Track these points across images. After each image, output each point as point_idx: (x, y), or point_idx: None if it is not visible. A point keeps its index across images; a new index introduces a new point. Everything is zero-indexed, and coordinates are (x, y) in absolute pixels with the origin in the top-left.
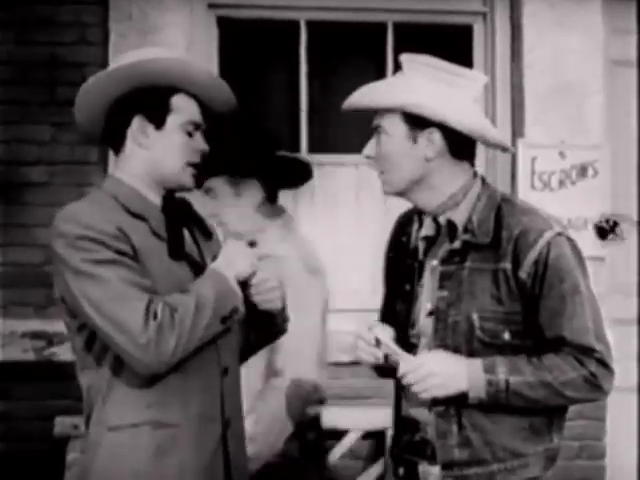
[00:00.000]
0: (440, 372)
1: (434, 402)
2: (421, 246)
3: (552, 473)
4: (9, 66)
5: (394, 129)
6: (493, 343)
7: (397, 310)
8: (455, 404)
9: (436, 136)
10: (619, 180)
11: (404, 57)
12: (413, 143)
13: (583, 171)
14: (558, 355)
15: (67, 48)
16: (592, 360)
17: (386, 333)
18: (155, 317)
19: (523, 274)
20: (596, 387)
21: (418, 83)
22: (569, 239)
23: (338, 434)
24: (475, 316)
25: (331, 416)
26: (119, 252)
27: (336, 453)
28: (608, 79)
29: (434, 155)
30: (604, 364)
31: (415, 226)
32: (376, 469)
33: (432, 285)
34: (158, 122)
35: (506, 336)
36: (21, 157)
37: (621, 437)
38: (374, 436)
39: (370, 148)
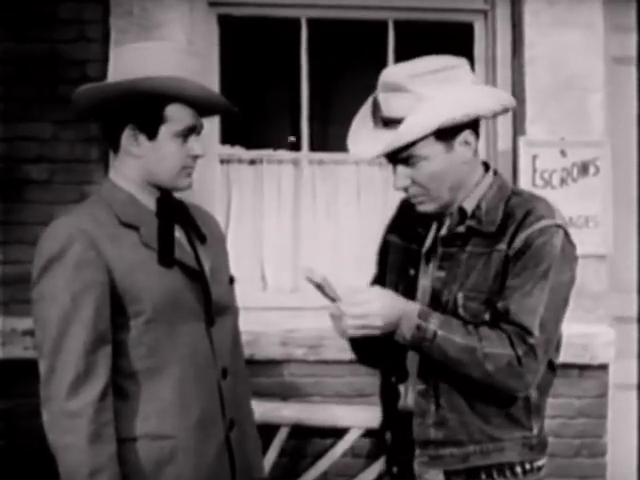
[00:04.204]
0: (365, 314)
1: (420, 377)
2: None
3: (552, 470)
4: (9, 63)
5: (431, 151)
6: (474, 323)
7: (398, 292)
8: (433, 383)
9: (470, 137)
10: (620, 177)
11: (391, 77)
12: (452, 154)
13: (584, 169)
14: (494, 330)
15: (67, 45)
16: (523, 344)
17: (319, 276)
18: (103, 398)
19: (511, 252)
20: (517, 374)
21: (432, 96)
22: (566, 234)
23: (339, 432)
24: (460, 295)
25: (332, 414)
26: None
27: (337, 451)
28: (609, 76)
29: (472, 154)
30: (534, 354)
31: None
32: (377, 467)
33: (433, 267)
34: (150, 133)
35: (486, 317)
36: (21, 155)
37: (622, 435)
38: (375, 434)
39: (402, 179)
